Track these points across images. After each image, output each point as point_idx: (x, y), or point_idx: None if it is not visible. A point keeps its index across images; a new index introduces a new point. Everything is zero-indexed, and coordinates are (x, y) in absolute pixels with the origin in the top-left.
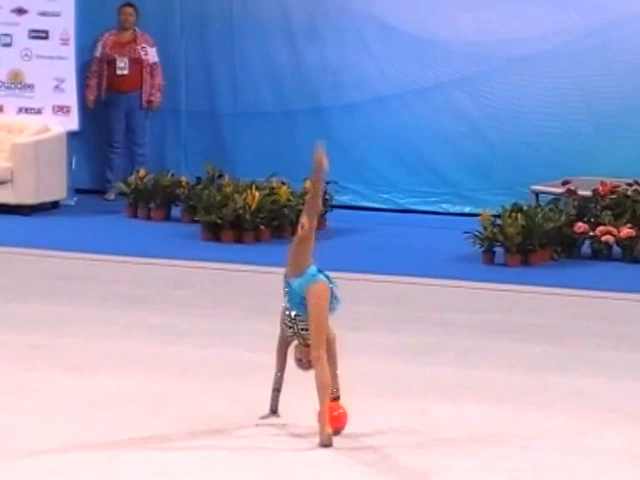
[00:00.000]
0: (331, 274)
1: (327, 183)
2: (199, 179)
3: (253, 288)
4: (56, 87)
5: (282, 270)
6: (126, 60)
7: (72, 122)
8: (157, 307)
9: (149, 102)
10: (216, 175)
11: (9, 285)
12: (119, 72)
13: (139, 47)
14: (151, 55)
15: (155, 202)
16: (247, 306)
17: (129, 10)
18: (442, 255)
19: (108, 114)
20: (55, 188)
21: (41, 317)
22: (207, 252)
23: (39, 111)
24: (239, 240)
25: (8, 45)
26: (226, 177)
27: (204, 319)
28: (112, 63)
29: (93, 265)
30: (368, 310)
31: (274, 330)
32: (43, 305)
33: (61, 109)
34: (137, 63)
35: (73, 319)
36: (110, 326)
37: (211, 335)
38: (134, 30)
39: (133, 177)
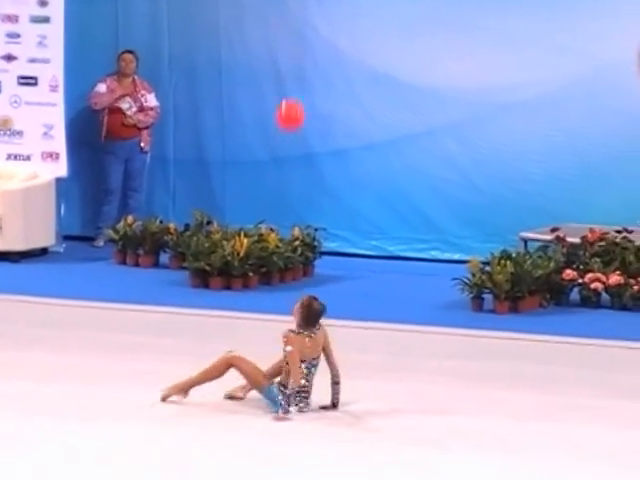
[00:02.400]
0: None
1: (316, 230)
2: (187, 226)
3: (241, 335)
4: (45, 134)
5: (270, 317)
6: (131, 100)
7: (61, 168)
8: (143, 354)
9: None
10: (204, 222)
11: None
12: (128, 112)
13: (139, 94)
14: (150, 101)
15: (144, 248)
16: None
17: (129, 57)
18: (431, 302)
19: (106, 160)
20: (44, 234)
21: (23, 364)
22: (195, 299)
23: (28, 157)
24: (227, 287)
25: None
26: (214, 224)
27: (191, 365)
28: (114, 109)
29: (80, 312)
30: (356, 358)
31: None
32: (25, 352)
33: (50, 155)
34: (138, 109)
35: (57, 366)
36: (94, 373)
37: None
38: (134, 77)
39: (122, 224)
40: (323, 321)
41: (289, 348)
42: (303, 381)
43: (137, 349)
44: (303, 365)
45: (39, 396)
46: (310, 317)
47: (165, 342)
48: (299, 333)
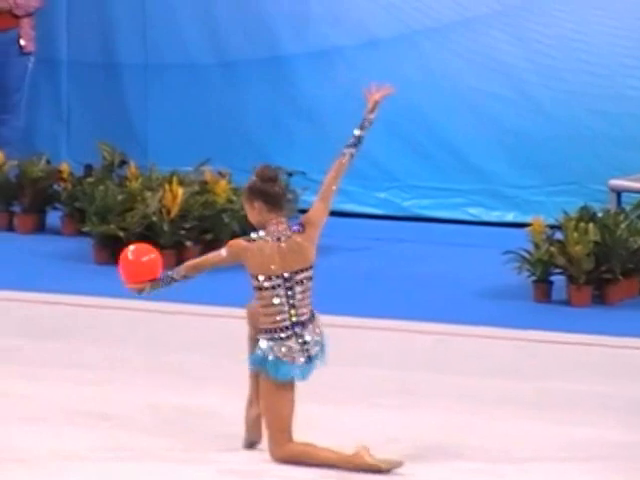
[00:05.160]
0: None
1: (290, 175)
2: (89, 168)
3: (175, 340)
4: None
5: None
6: None
7: None
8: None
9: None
10: (116, 162)
11: None
12: None
13: None
14: None
15: (21, 204)
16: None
17: None
18: (471, 287)
19: None
20: None
21: None
22: (101, 282)
23: None
24: None
25: None
26: (131, 165)
27: (85, 387)
28: None
29: None
30: (367, 374)
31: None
32: None
33: None
34: None
35: None
36: None
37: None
38: None
39: None
40: None
41: (223, 252)
42: (277, 300)
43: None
44: (276, 282)
45: None
46: (268, 192)
47: (53, 347)
48: (257, 240)
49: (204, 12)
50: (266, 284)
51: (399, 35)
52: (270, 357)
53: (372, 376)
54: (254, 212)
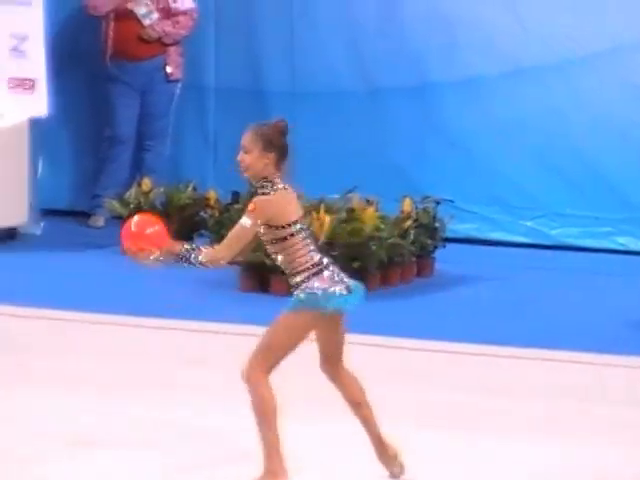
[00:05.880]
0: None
1: (437, 203)
2: (236, 195)
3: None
4: (14, 49)
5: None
6: (150, 3)
7: (39, 104)
8: (172, 393)
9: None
10: None
11: None
12: (146, 20)
13: None
14: (182, 2)
15: (168, 231)
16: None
17: None
18: (621, 317)
19: (111, 93)
20: (10, 207)
21: None
22: (247, 309)
23: None
24: None
25: None
26: None
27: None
28: (123, 15)
29: (65, 327)
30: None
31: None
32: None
33: (21, 83)
34: (162, 13)
35: None
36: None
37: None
38: None
39: (133, 191)
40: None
41: (247, 221)
42: (305, 240)
43: (155, 385)
44: (300, 225)
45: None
46: (285, 147)
47: (199, 373)
48: (274, 192)
49: (351, 40)
50: (294, 229)
51: (547, 63)
52: (319, 292)
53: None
54: (262, 162)
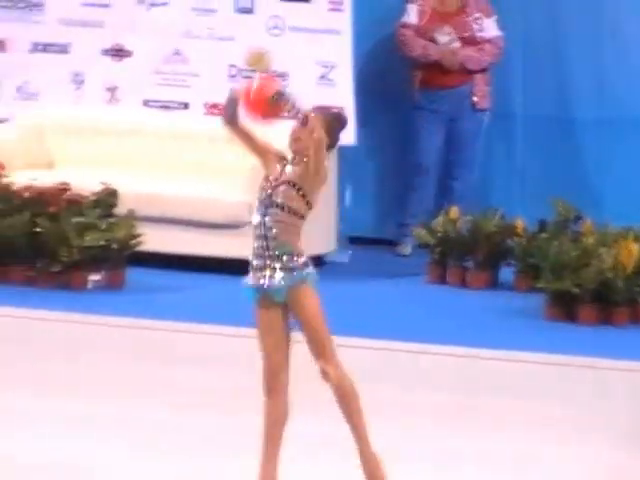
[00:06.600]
0: None
1: None
2: (543, 224)
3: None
4: (322, 77)
5: None
6: (452, 30)
7: (346, 132)
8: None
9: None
10: (571, 217)
11: None
12: (449, 48)
13: (470, 19)
14: (488, 29)
15: (474, 259)
16: None
17: None
18: None
19: (418, 121)
20: (319, 236)
21: None
22: (552, 338)
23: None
24: (606, 320)
25: (249, 12)
26: (586, 221)
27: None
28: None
29: (386, 357)
30: None
31: None
32: None
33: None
34: (466, 42)
35: None
36: None
37: None
38: None
39: (440, 219)
40: None
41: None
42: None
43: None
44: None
45: None
46: (335, 143)
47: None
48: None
49: None
50: (306, 214)
51: None
52: (313, 270)
53: None
54: (314, 140)
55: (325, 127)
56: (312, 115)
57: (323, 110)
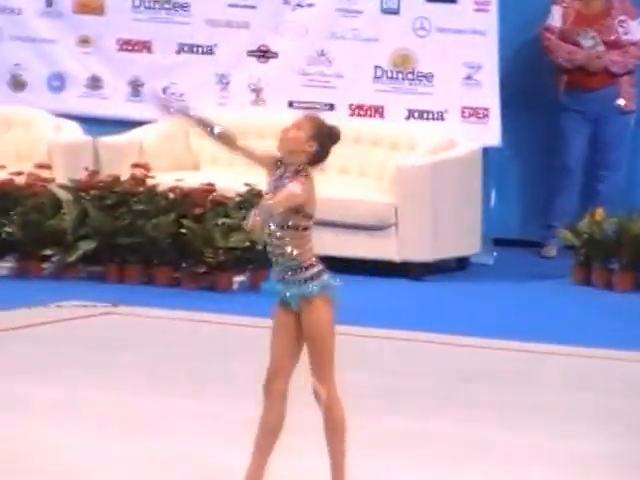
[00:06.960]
0: None
1: None
2: None
3: None
4: (467, 78)
5: None
6: (596, 34)
7: (491, 133)
8: None
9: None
10: None
11: None
12: (592, 52)
13: (615, 21)
14: (633, 32)
15: (620, 261)
16: None
17: None
18: None
19: (563, 123)
20: (463, 237)
21: None
22: None
23: (440, 116)
24: None
25: (394, 13)
26: None
27: None
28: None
29: (510, 356)
30: None
31: None
32: None
33: (474, 113)
34: (611, 45)
35: None
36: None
37: None
38: None
39: (585, 221)
40: None
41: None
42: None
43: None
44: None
45: None
46: (328, 152)
47: None
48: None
49: None
50: (311, 223)
51: None
52: (333, 282)
53: None
54: (304, 145)
55: (318, 131)
56: (305, 117)
57: (319, 119)
